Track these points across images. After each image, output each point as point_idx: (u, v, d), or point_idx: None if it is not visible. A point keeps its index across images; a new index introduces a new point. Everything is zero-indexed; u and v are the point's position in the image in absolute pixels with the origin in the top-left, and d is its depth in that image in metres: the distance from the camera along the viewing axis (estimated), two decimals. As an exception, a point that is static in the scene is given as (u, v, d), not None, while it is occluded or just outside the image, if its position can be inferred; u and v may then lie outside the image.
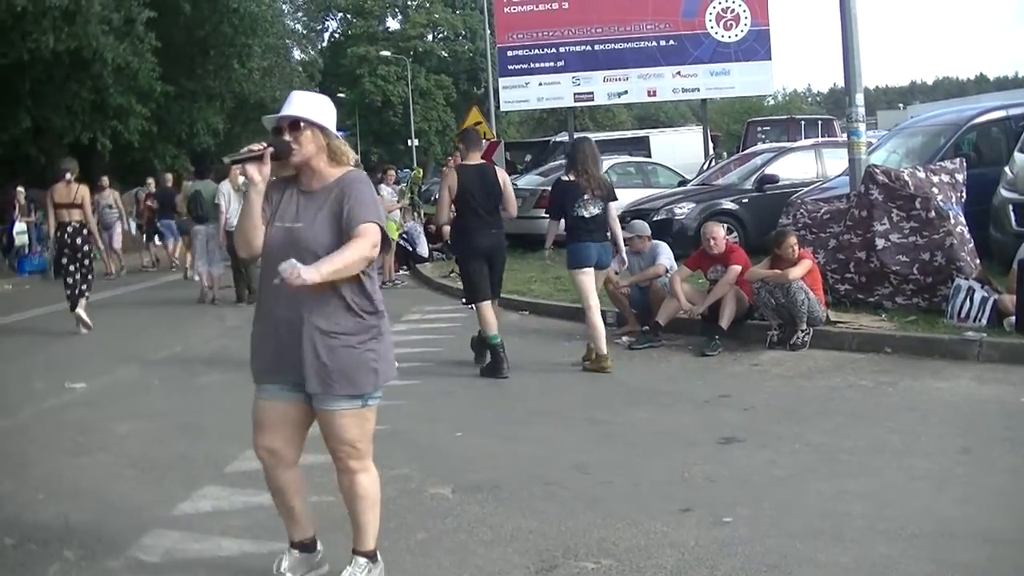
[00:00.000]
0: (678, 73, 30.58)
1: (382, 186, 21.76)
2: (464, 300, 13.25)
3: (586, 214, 11.96)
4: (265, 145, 5.32)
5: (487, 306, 12.10)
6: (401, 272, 22.56)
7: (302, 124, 5.35)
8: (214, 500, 7.51)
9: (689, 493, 7.09)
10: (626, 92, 31.84)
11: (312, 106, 5.45)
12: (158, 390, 11.96)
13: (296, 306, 5.30)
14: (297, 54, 69.39)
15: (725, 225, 14.65)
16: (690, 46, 30.18)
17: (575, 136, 18.35)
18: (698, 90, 31.09)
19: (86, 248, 16.17)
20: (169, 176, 29.81)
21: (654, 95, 32.39)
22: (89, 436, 9.77)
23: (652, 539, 6.21)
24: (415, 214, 27.24)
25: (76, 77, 31.77)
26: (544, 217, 23.74)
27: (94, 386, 12.15)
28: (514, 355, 12.45)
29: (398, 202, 21.65)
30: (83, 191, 16.38)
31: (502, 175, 12.69)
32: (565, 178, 12.46)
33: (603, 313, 12.59)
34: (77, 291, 15.97)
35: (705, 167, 26.93)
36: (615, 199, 12.46)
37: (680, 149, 34.88)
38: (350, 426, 5.50)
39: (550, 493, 7.21)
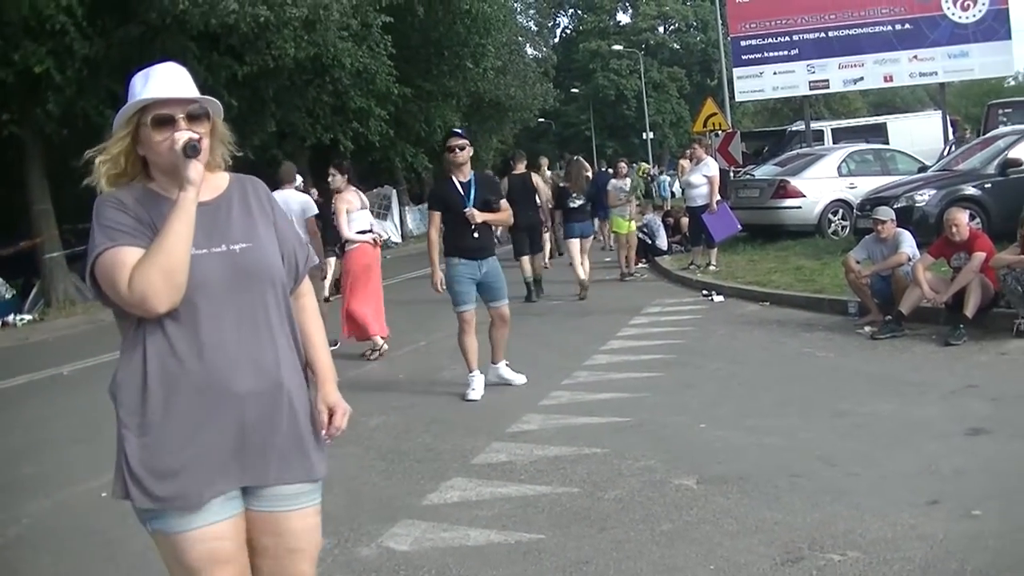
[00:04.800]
0: (915, 57, 30.18)
1: (612, 180, 22.12)
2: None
3: (574, 205, 20.31)
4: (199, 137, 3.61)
5: (527, 259, 19.64)
6: (640, 265, 22.57)
7: (211, 112, 3.76)
8: (461, 491, 7.70)
9: (937, 485, 6.98)
10: (862, 78, 31.49)
11: (193, 86, 3.76)
12: (404, 384, 12.26)
13: None
14: (530, 50, 70.03)
15: (968, 211, 14.29)
16: (926, 29, 29.72)
17: (571, 157, 23.71)
18: (936, 74, 30.59)
19: None
20: None
21: (891, 80, 31.89)
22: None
23: (899, 531, 6.15)
24: (654, 207, 27.19)
25: (316, 82, 32.72)
26: (780, 207, 23.77)
27: (342, 379, 12.49)
28: (755, 346, 12.91)
29: (626, 198, 21.68)
30: None
31: (535, 178, 20.92)
32: (562, 184, 21.53)
33: (844, 303, 14.20)
34: None
35: (945, 152, 26.34)
36: (590, 196, 21.06)
37: (918, 135, 34.13)
38: None
39: (795, 484, 7.19)
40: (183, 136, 3.54)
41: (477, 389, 11.12)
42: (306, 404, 3.84)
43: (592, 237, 21.19)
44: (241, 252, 3.67)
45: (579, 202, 20.28)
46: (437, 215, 11.26)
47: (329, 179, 14.60)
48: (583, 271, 19.53)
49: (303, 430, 3.81)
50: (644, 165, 32.77)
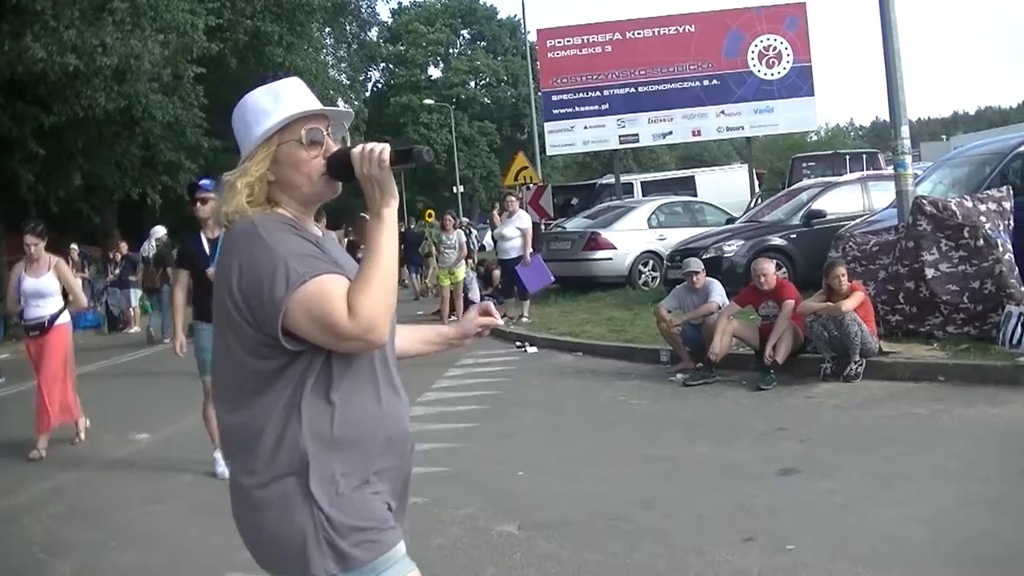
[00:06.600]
0: (722, 112, 30.99)
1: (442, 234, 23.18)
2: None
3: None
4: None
5: None
6: (451, 319, 22.50)
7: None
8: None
9: (752, 523, 7.16)
10: (671, 133, 32.13)
11: None
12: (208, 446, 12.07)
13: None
14: (342, 105, 69.89)
15: (774, 261, 14.69)
16: (733, 85, 30.59)
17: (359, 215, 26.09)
18: (742, 128, 31.45)
19: None
20: None
21: (699, 135, 32.78)
22: (158, 485, 9.92)
23: (717, 568, 6.30)
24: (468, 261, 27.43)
25: (126, 134, 32.14)
26: (592, 259, 24.09)
27: (156, 437, 12.33)
28: (571, 395, 12.99)
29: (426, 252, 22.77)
30: None
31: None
32: (351, 239, 21.04)
33: (656, 352, 14.45)
34: None
35: (752, 204, 26.99)
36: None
37: (726, 187, 34.89)
38: None
39: (615, 527, 7.30)
40: (380, 146, 3.09)
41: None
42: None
43: None
44: None
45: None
46: (183, 273, 10.19)
47: (32, 248, 12.07)
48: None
49: None
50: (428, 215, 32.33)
